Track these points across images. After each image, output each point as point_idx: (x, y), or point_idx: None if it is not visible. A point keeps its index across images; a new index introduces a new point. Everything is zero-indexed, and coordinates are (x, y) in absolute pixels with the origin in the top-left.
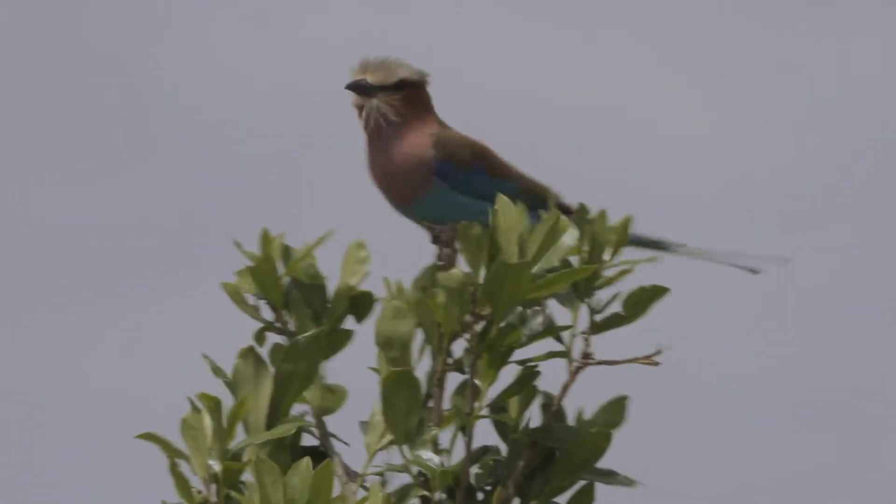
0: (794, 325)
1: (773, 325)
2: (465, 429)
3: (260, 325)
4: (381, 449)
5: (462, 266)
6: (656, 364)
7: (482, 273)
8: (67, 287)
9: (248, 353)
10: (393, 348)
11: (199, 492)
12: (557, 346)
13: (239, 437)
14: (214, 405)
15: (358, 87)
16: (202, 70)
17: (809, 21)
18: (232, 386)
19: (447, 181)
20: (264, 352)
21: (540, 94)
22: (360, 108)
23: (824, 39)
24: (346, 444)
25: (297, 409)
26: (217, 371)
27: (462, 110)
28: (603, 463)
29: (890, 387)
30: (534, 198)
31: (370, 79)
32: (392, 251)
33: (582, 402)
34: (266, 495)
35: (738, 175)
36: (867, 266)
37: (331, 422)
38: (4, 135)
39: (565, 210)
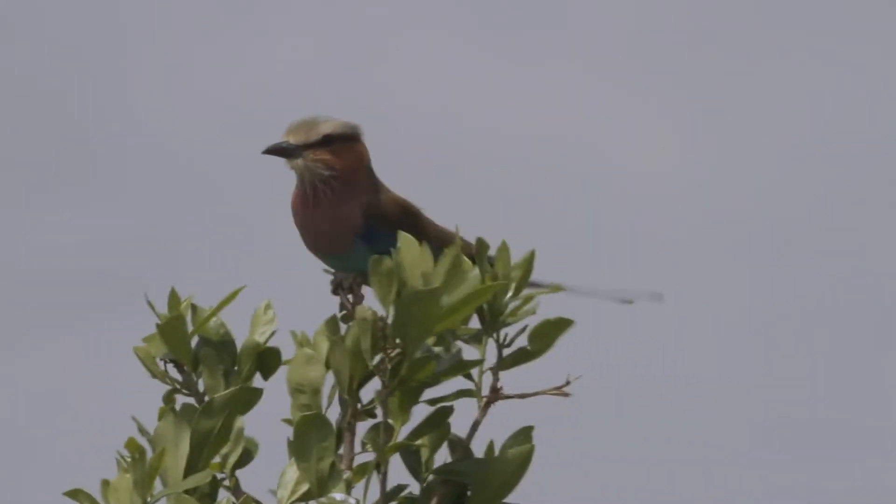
0: (756, 354)
1: (734, 356)
2: (380, 467)
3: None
4: (294, 502)
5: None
6: (567, 395)
7: (392, 307)
8: (53, 317)
9: (168, 413)
10: (303, 394)
11: None
12: (467, 384)
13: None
14: (139, 453)
15: (278, 150)
16: (174, 95)
17: (777, 50)
18: (153, 444)
19: (369, 243)
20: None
21: (501, 131)
22: (294, 170)
23: (794, 68)
24: (258, 502)
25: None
26: (142, 431)
27: (420, 146)
28: (523, 496)
29: (866, 412)
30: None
31: (292, 140)
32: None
33: (498, 436)
34: None
35: (704, 208)
36: (840, 294)
37: (245, 479)
38: None
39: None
